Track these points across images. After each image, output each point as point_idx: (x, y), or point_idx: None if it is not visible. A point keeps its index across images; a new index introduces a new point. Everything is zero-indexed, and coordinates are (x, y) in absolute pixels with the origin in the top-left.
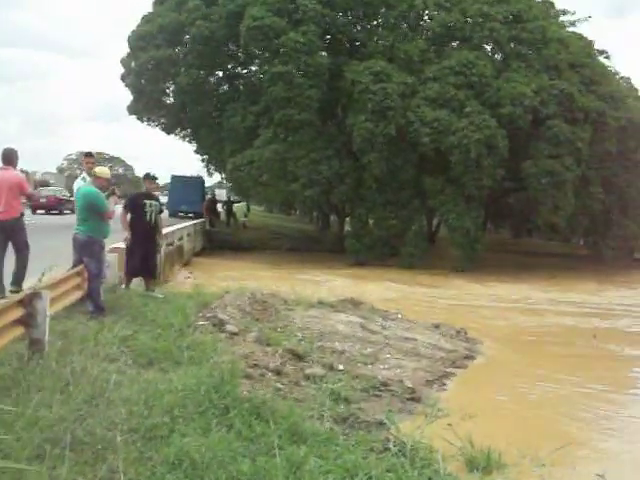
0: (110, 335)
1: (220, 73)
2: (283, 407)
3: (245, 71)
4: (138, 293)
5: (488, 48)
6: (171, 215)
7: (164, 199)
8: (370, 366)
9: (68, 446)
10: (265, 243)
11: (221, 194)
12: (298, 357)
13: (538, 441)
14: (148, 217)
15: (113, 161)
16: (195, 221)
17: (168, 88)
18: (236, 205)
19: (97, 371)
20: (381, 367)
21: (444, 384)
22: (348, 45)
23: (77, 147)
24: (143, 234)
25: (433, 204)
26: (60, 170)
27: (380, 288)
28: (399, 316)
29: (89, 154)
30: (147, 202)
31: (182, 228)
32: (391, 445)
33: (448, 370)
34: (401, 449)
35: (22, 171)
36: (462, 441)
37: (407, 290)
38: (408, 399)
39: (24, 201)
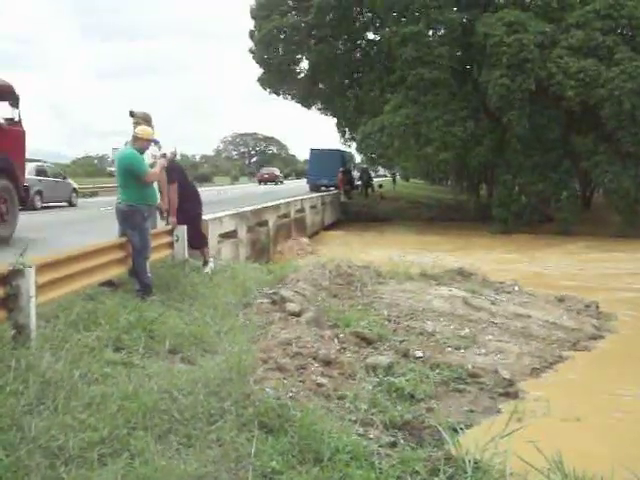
0: (133, 317)
1: (349, 43)
2: (306, 410)
3: (378, 37)
4: (197, 266)
5: None
6: (312, 189)
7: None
8: (462, 351)
9: None
10: (402, 213)
11: (378, 169)
12: (366, 342)
13: None
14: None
15: (267, 141)
16: (323, 193)
17: (297, 63)
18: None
19: (68, 366)
20: (476, 352)
21: (556, 372)
22: None
23: (232, 129)
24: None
25: (586, 165)
26: (217, 152)
27: (517, 258)
28: (516, 288)
29: (131, 113)
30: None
31: (303, 199)
32: (441, 466)
33: (565, 354)
34: (458, 471)
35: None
36: (549, 460)
37: (548, 260)
38: (501, 394)
39: None
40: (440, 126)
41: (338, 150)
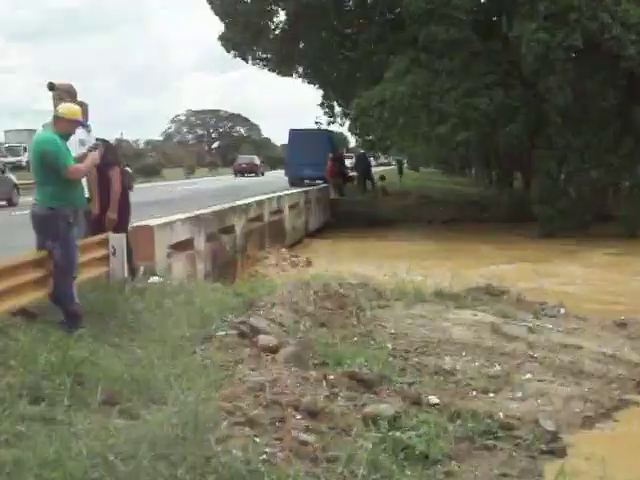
0: (56, 357)
1: None
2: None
3: None
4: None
5: None
6: (292, 183)
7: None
8: (491, 395)
9: None
10: (412, 214)
11: (382, 155)
12: (364, 385)
13: None
14: None
15: (233, 120)
16: (307, 188)
17: (272, 16)
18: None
19: None
20: (510, 396)
21: (615, 422)
22: None
23: (186, 106)
24: None
25: None
26: (167, 136)
27: (564, 271)
28: (562, 311)
29: (51, 86)
30: None
31: (280, 197)
32: None
33: (627, 397)
34: None
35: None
36: None
37: (606, 271)
38: (543, 452)
39: None
40: (458, 97)
41: (326, 131)
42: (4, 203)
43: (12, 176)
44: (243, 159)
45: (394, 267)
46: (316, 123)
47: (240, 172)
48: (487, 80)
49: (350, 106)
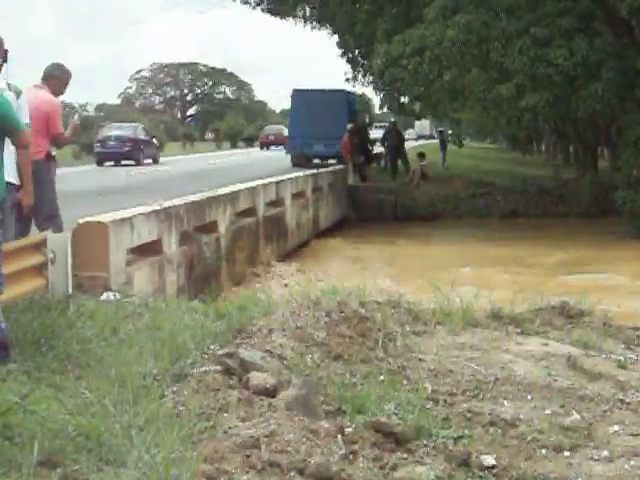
0: None
1: None
2: None
3: None
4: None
5: None
6: (296, 163)
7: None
8: (567, 454)
9: None
10: (460, 205)
11: (423, 126)
12: (394, 440)
13: None
14: None
15: (216, 76)
16: (316, 170)
17: None
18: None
19: None
20: (592, 456)
21: None
22: None
23: (151, 58)
24: None
25: None
26: (126, 99)
27: None
28: None
29: None
30: None
31: (279, 182)
32: None
33: None
34: None
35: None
36: None
37: None
38: None
39: None
40: (526, 47)
41: (342, 91)
42: None
43: None
44: (270, 130)
45: (435, 279)
46: (336, 90)
47: (267, 145)
48: (563, 23)
49: (375, 55)
